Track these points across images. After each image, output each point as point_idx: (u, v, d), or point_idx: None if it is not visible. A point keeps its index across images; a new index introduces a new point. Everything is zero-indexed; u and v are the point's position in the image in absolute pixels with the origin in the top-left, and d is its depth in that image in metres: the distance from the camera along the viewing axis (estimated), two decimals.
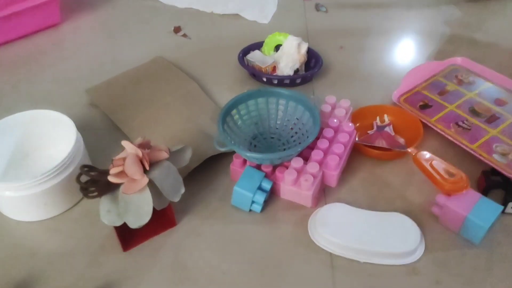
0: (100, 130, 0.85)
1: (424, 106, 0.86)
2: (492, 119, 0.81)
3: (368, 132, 0.83)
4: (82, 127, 0.78)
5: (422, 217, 0.71)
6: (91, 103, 0.90)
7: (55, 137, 0.77)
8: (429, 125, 0.82)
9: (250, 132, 0.77)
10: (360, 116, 0.85)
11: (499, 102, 0.84)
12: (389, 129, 0.83)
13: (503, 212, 0.70)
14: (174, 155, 0.66)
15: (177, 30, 1.09)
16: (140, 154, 0.60)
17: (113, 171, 0.59)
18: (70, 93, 0.93)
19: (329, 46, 1.04)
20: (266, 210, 0.73)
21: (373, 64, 1.01)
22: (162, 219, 0.68)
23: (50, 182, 0.67)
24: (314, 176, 0.68)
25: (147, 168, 0.60)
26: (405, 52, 1.05)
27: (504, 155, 0.75)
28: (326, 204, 0.73)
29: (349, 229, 0.68)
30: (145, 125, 0.82)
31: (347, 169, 0.77)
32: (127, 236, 0.67)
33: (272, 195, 0.73)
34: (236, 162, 0.74)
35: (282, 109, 0.78)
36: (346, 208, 0.71)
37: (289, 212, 0.72)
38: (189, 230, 0.70)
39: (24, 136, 0.78)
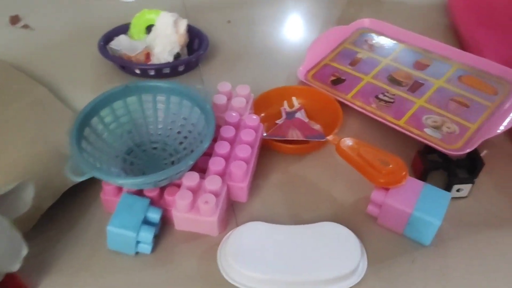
0: None
1: (337, 81, 0.72)
2: (415, 87, 0.69)
3: (277, 122, 0.67)
4: None
5: (357, 221, 0.56)
6: None
7: None
8: (346, 103, 0.68)
9: (123, 146, 0.57)
10: (264, 103, 0.68)
11: (419, 66, 0.72)
12: (300, 115, 0.67)
13: None
14: (4, 201, 0.44)
15: (14, 20, 0.83)
16: None
17: None
18: None
19: (214, 22, 0.86)
20: (159, 248, 0.53)
21: (270, 38, 0.84)
22: None
23: None
24: (217, 194, 0.50)
25: None
26: (305, 20, 0.89)
27: (436, 128, 0.63)
28: (237, 226, 0.55)
29: (270, 257, 0.50)
30: None
31: (259, 174, 0.60)
32: None
33: (165, 224, 0.54)
34: (107, 190, 0.53)
35: (163, 108, 0.58)
36: (264, 228, 0.53)
37: (191, 245, 0.53)
38: None
39: None
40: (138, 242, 0.51)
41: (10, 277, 0.44)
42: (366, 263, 0.52)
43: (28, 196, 0.46)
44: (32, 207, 0.47)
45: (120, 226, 0.50)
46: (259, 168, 0.61)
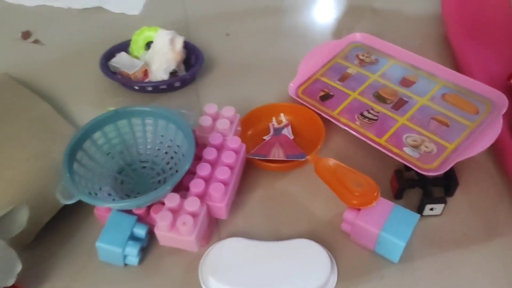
0: None
1: (325, 97, 0.74)
2: (399, 105, 0.71)
3: (264, 138, 0.70)
4: None
5: (333, 237, 0.59)
6: None
7: None
8: (332, 120, 0.71)
9: (114, 165, 0.61)
10: (252, 119, 0.71)
11: (405, 83, 0.74)
12: (287, 132, 0.71)
13: (420, 215, 0.60)
14: (0, 223, 0.49)
15: (26, 35, 0.89)
16: None
17: None
18: None
19: (214, 35, 0.89)
20: (146, 260, 0.58)
21: (266, 51, 0.87)
22: None
23: None
24: (195, 215, 0.54)
25: None
26: (300, 33, 0.91)
27: (415, 147, 0.65)
28: (219, 239, 0.60)
29: (245, 271, 0.55)
30: None
31: (243, 189, 0.64)
32: None
33: (152, 238, 0.59)
34: (99, 207, 0.58)
35: (151, 130, 0.62)
36: (241, 244, 0.58)
37: (175, 258, 0.58)
38: None
39: None
40: (125, 256, 0.56)
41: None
42: (335, 279, 0.56)
43: (22, 218, 0.51)
44: (30, 223, 0.53)
45: (108, 242, 0.55)
46: (244, 183, 0.65)
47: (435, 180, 0.63)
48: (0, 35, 0.90)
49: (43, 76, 0.81)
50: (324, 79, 0.77)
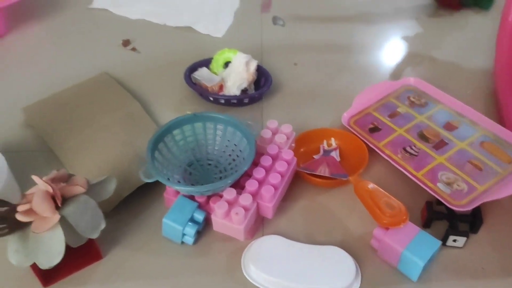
0: (34, 152, 0.81)
1: (374, 129, 0.83)
2: (440, 145, 0.79)
3: (314, 156, 0.80)
4: (13, 149, 0.74)
5: (362, 250, 0.68)
6: (27, 122, 0.86)
7: None
8: (376, 150, 0.79)
9: (186, 159, 0.74)
10: (306, 139, 0.81)
11: (448, 127, 0.82)
12: (335, 154, 0.80)
13: (443, 245, 0.68)
14: (94, 188, 0.62)
15: (126, 43, 1.05)
16: (51, 189, 0.56)
17: (20, 208, 0.55)
18: (5, 111, 0.88)
19: (284, 63, 1.01)
20: (200, 242, 0.69)
21: (327, 82, 0.97)
22: (86, 252, 0.64)
23: None
24: (246, 209, 0.65)
25: (59, 204, 0.56)
26: (361, 70, 1.01)
27: (448, 184, 0.72)
28: (263, 235, 0.70)
29: (281, 265, 0.64)
30: (78, 149, 0.77)
31: (288, 197, 0.74)
32: (48, 271, 0.63)
33: (207, 225, 0.70)
34: (169, 191, 0.70)
35: (220, 135, 0.74)
36: (281, 241, 0.68)
37: (223, 244, 0.69)
38: (117, 263, 0.67)
39: None
40: (184, 234, 0.68)
41: (90, 242, 0.63)
42: (359, 284, 0.64)
43: (111, 187, 0.64)
44: (114, 194, 0.65)
45: (172, 220, 0.66)
46: (290, 192, 0.74)
47: (462, 216, 0.70)
48: (104, 40, 1.06)
49: (136, 79, 0.96)
50: (375, 113, 0.86)
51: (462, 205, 0.69)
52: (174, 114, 0.76)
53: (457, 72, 1.01)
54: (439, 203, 0.71)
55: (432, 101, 0.87)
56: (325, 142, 0.83)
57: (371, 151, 0.79)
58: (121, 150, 0.77)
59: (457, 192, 0.71)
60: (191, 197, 0.69)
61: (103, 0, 1.16)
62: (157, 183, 0.67)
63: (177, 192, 0.70)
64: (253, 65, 0.91)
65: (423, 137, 0.80)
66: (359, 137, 0.81)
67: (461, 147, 0.78)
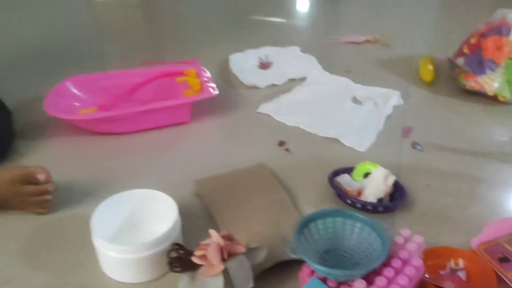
0: (198, 218, 0.99)
1: (504, 259, 0.86)
2: None
3: (440, 272, 0.85)
4: (184, 212, 0.92)
5: None
6: (196, 193, 1.05)
7: (159, 215, 0.91)
8: (505, 280, 0.82)
9: (324, 246, 0.84)
10: (434, 254, 0.87)
11: None
12: (462, 274, 0.84)
13: None
14: (250, 252, 0.75)
15: (281, 143, 1.23)
16: (222, 243, 0.70)
17: (197, 253, 0.70)
18: (182, 181, 1.09)
19: (418, 183, 1.10)
20: None
21: (458, 207, 1.03)
22: None
23: (146, 252, 0.80)
24: None
25: (225, 257, 0.70)
26: (493, 202, 1.06)
27: None
28: None
29: None
30: (235, 220, 0.93)
31: None
32: None
33: None
34: (304, 271, 0.80)
35: (357, 232, 0.84)
36: None
37: None
38: None
39: (134, 209, 0.93)
40: None
41: None
42: None
43: (262, 255, 0.77)
44: (260, 262, 0.78)
45: None
46: None
47: None
48: (264, 138, 1.27)
49: (285, 173, 1.12)
50: (507, 245, 0.89)
51: None
52: (314, 207, 0.89)
53: None
54: None
55: None
56: (452, 261, 0.87)
57: (499, 279, 0.82)
58: (268, 228, 0.91)
59: None
60: (324, 281, 0.78)
61: (267, 107, 1.39)
62: (293, 264, 0.78)
63: (312, 274, 0.80)
64: (391, 180, 1.01)
65: None
66: (489, 264, 0.85)
67: None
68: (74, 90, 1.33)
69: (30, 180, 0.93)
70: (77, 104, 1.32)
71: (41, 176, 0.93)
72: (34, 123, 1.30)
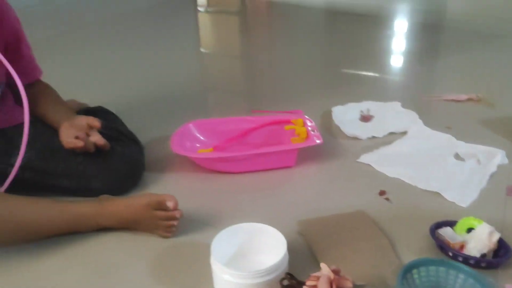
0: (300, 254, 1.06)
1: None
2: None
3: None
4: (287, 247, 1.00)
5: None
6: (299, 232, 1.13)
7: (268, 247, 0.99)
8: None
9: None
10: None
11: None
12: None
13: None
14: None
15: (382, 193, 1.29)
16: (332, 277, 0.77)
17: (309, 283, 0.77)
18: (286, 219, 1.18)
19: None
20: None
21: None
22: None
23: (259, 279, 0.89)
24: None
25: None
26: None
27: None
28: None
29: None
30: (336, 260, 1.00)
31: None
32: None
33: None
34: None
35: (460, 283, 0.87)
36: None
37: None
38: None
39: (246, 240, 1.03)
40: None
41: None
42: None
43: None
44: None
45: None
46: None
47: None
48: (365, 187, 1.33)
49: (386, 221, 1.17)
50: None
51: None
52: (414, 257, 0.93)
53: None
54: None
55: None
56: None
57: None
58: (369, 271, 0.96)
59: None
60: None
61: (368, 158, 1.46)
62: None
63: None
64: (496, 237, 1.02)
65: None
66: None
67: None
68: (195, 132, 1.50)
69: (161, 206, 1.08)
70: (197, 145, 1.49)
71: (170, 204, 1.07)
72: (160, 159, 1.48)
